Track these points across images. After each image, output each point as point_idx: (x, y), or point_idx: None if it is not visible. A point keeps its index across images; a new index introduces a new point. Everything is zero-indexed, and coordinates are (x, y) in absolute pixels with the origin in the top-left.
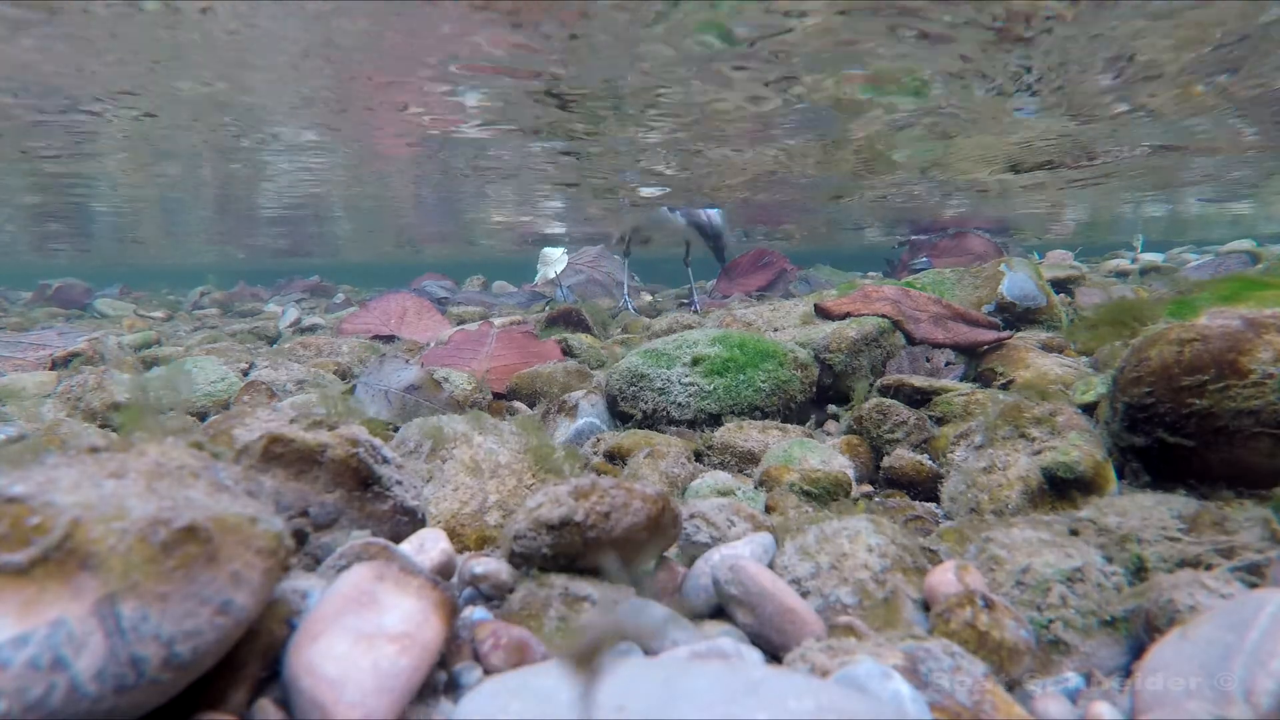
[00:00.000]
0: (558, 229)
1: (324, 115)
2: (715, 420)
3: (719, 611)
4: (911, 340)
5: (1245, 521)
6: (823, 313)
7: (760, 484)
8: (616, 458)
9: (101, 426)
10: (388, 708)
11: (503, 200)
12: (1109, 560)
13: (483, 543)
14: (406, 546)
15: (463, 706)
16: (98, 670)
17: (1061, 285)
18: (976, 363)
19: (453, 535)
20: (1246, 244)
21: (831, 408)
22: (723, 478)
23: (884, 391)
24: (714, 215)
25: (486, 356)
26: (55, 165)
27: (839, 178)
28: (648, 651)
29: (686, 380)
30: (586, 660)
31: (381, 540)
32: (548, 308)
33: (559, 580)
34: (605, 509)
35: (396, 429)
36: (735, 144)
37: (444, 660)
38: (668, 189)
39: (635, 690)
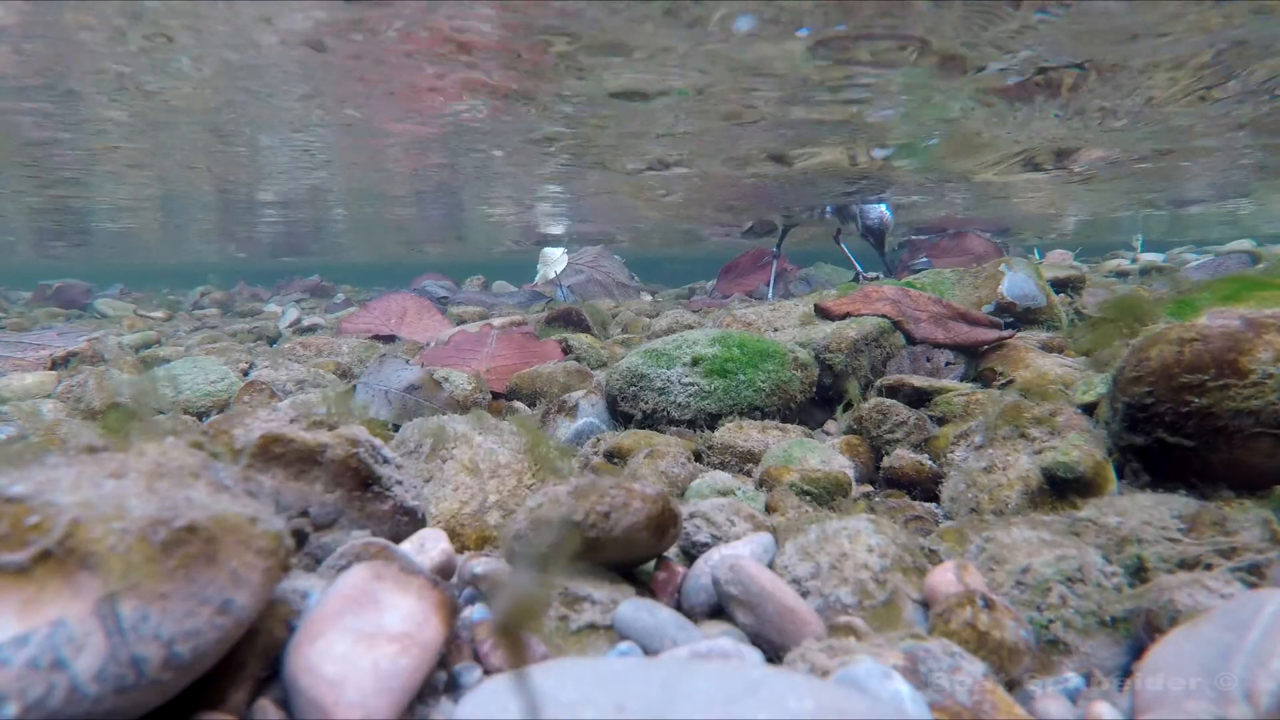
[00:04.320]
0: (557, 229)
1: (324, 115)
2: (715, 420)
3: (719, 611)
4: (911, 340)
5: (1245, 521)
6: (823, 313)
7: (760, 484)
8: (616, 458)
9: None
10: (388, 708)
11: (503, 199)
12: (1109, 560)
13: (483, 543)
14: (407, 546)
15: (463, 706)
16: (98, 670)
17: (1062, 285)
18: (976, 363)
19: (453, 535)
20: (1246, 244)
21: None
22: (723, 478)
23: (884, 391)
24: (883, 212)
25: (487, 356)
26: (56, 163)
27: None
28: (648, 651)
29: (686, 380)
30: (510, 638)
31: (381, 540)
32: (548, 308)
33: (559, 580)
34: (605, 509)
35: (396, 429)
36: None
37: (444, 660)
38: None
39: (634, 690)
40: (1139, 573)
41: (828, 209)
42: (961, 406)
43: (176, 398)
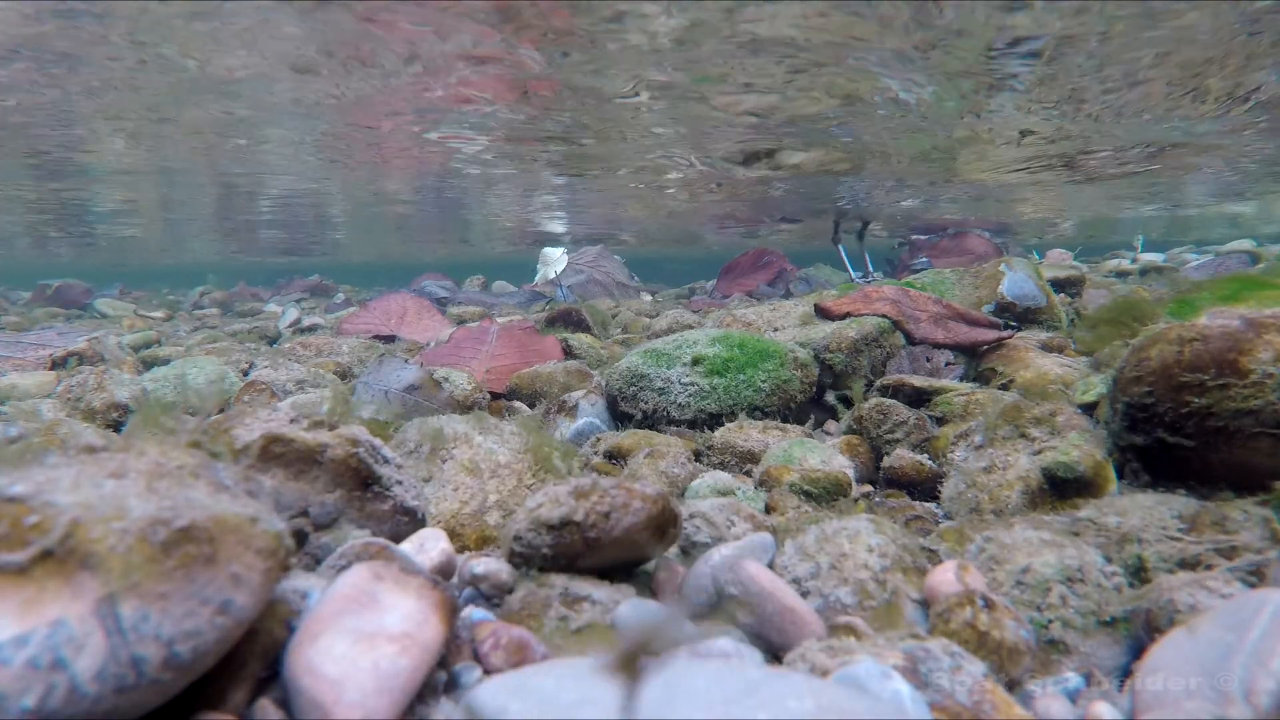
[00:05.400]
0: (558, 228)
1: (325, 127)
2: (715, 420)
3: (719, 611)
4: (911, 340)
5: (1245, 521)
6: (823, 313)
7: (760, 484)
8: (616, 458)
9: (106, 426)
10: (388, 708)
11: (504, 201)
12: (1109, 560)
13: (483, 543)
14: (406, 546)
15: (463, 706)
16: (98, 670)
17: (1061, 285)
18: (976, 363)
19: (453, 535)
20: (1247, 244)
21: (830, 397)
22: (723, 478)
23: (884, 391)
24: None
25: (487, 355)
26: (54, 161)
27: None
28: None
29: (686, 380)
30: (628, 665)
31: (381, 540)
32: (548, 308)
33: (559, 580)
34: (605, 509)
35: (396, 429)
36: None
37: (444, 660)
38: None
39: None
40: (1139, 573)
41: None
42: (961, 406)
43: (177, 398)
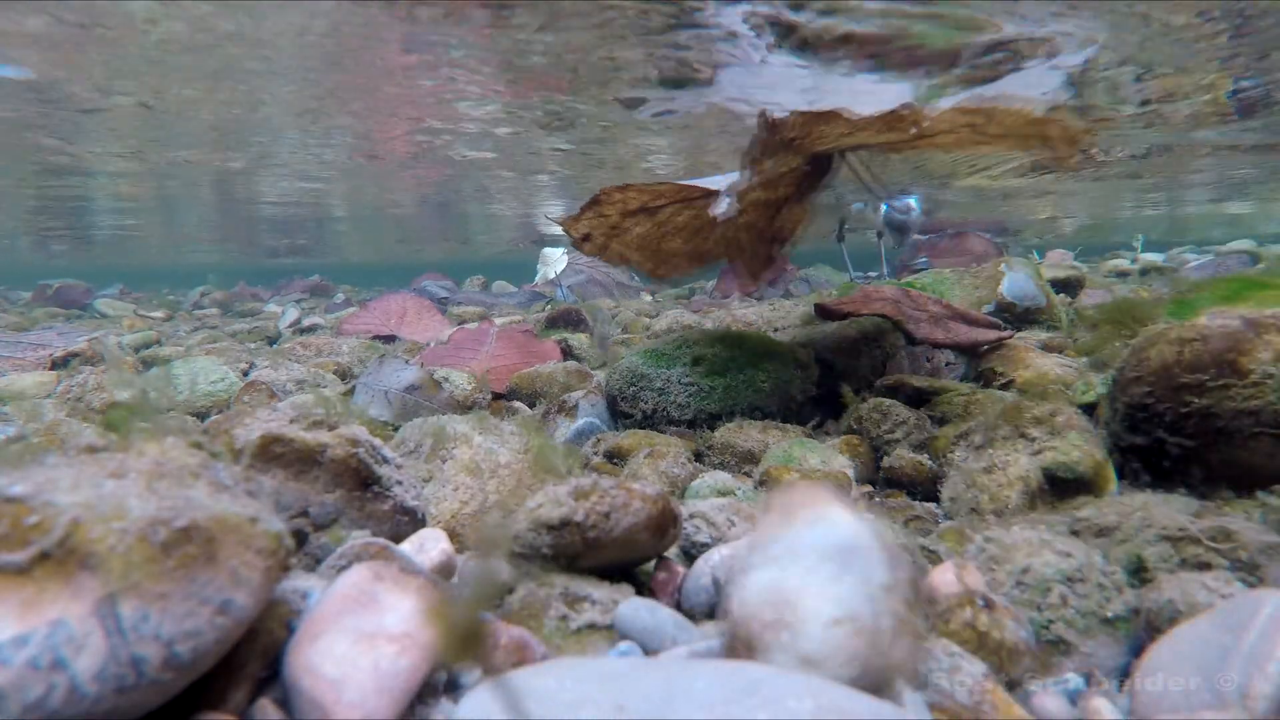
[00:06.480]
0: (558, 229)
1: (325, 120)
2: (715, 420)
3: (719, 611)
4: (911, 340)
5: (1245, 521)
6: (823, 313)
7: (760, 484)
8: (616, 458)
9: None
10: (388, 708)
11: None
12: (1109, 560)
13: None
14: (406, 546)
15: (463, 706)
16: (98, 670)
17: (1061, 285)
18: (976, 363)
19: (453, 535)
20: (1246, 244)
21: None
22: (723, 478)
23: (884, 391)
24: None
25: (487, 356)
26: (56, 159)
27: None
28: (647, 651)
29: (686, 380)
30: (469, 645)
31: (381, 540)
32: (548, 308)
33: (559, 580)
34: (605, 509)
35: (396, 429)
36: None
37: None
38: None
39: (634, 689)
40: (1139, 573)
41: (855, 205)
42: (961, 406)
43: (178, 398)
